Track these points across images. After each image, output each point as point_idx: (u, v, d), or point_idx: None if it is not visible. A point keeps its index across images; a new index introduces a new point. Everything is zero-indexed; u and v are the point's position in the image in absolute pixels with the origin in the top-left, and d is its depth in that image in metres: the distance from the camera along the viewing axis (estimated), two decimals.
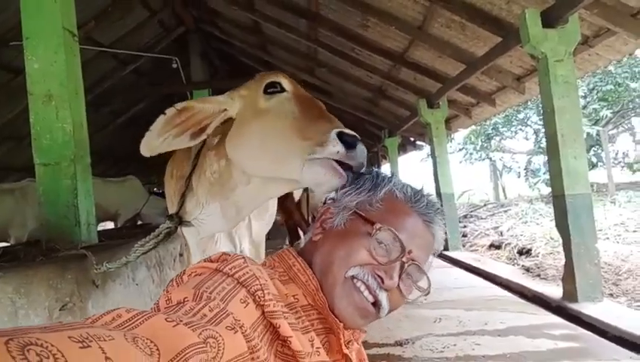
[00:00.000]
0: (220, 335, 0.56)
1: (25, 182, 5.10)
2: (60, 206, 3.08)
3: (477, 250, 7.55)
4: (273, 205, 1.99)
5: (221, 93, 1.36)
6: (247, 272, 0.69)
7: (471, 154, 15.86)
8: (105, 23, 7.57)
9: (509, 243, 6.91)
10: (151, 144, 1.24)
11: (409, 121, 9.33)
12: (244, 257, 0.73)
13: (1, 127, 8.45)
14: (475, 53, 5.75)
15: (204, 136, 1.31)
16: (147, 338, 0.49)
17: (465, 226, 9.58)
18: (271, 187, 1.29)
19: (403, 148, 13.34)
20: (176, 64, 8.51)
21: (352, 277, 0.79)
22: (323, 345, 0.77)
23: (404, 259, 0.80)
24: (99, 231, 4.40)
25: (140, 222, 6.99)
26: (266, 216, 1.93)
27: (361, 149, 1.00)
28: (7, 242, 4.89)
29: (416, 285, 0.84)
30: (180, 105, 1.24)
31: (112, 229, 5.45)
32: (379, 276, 0.78)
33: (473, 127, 12.18)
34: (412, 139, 12.51)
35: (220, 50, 11.08)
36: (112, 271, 2.08)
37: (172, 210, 1.64)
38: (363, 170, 1.00)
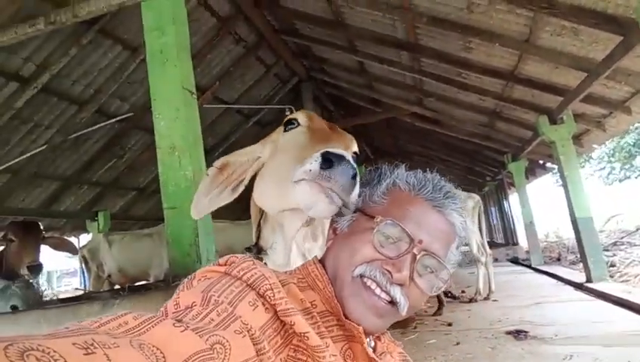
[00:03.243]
0: (227, 341, 0.56)
1: (161, 227, 5.81)
2: (183, 245, 3.37)
3: (629, 280, 6.50)
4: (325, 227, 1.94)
5: None
6: (255, 273, 0.68)
7: (610, 173, 13.94)
8: (228, 82, 8.49)
9: None
10: (199, 205, 1.27)
11: (532, 142, 8.62)
12: (252, 259, 0.72)
13: (148, 183, 9.82)
14: (594, 58, 5.20)
15: (242, 187, 1.31)
16: (153, 346, 0.49)
17: (614, 255, 8.35)
18: (294, 219, 1.23)
19: (532, 172, 12.31)
20: (290, 113, 9.07)
21: (360, 276, 0.76)
22: (344, 353, 0.75)
23: (414, 251, 0.75)
24: None
25: None
26: (320, 238, 1.91)
27: (341, 169, 0.86)
28: (148, 281, 5.59)
29: (438, 277, 0.78)
30: (218, 163, 1.28)
31: None
32: (387, 271, 0.75)
33: (614, 142, 10.79)
34: (541, 161, 11.50)
35: (331, 94, 11.61)
36: None
37: (253, 235, 1.72)
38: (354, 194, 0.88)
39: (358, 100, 11.43)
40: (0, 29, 3.90)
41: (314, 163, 0.90)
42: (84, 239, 11.20)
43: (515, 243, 14.00)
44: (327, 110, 11.77)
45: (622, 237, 10.03)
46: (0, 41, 3.89)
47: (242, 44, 8.05)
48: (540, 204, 13.37)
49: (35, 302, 2.58)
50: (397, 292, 0.75)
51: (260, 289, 0.66)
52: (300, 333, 0.66)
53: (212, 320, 0.58)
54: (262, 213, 1.62)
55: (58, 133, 6.78)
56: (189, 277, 0.72)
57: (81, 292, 4.14)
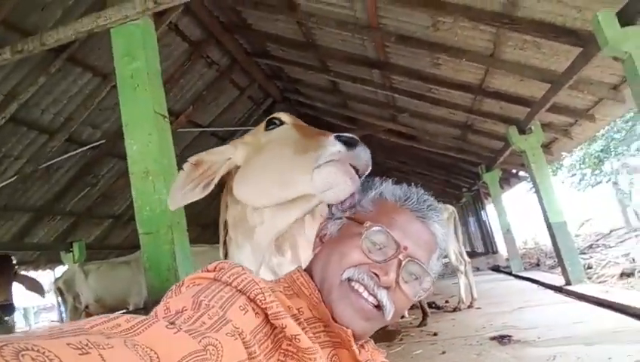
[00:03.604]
0: (220, 343, 0.56)
1: (138, 253, 5.70)
2: (161, 270, 3.30)
3: (605, 281, 6.65)
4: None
5: None
6: (245, 278, 0.69)
7: (581, 180, 14.36)
8: (202, 105, 8.49)
9: None
10: (174, 198, 1.32)
11: (504, 152, 8.83)
12: (241, 266, 0.73)
13: (124, 211, 9.64)
14: (556, 70, 5.40)
15: (211, 186, 1.35)
16: (147, 346, 0.49)
17: (590, 257, 8.55)
18: (283, 215, 1.28)
19: (507, 181, 12.58)
20: None
21: (348, 279, 0.78)
22: (331, 359, 0.76)
23: (400, 257, 0.78)
24: None
25: None
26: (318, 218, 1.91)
27: (362, 148, 1.00)
28: (127, 309, 5.45)
29: (421, 284, 0.82)
30: (193, 159, 1.31)
31: None
32: (375, 274, 0.77)
33: (583, 150, 11.13)
34: (514, 171, 11.77)
35: (306, 114, 11.69)
36: None
37: (220, 253, 1.71)
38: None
39: (333, 119, 11.55)
40: None
41: (337, 145, 1.01)
42: (60, 271, 10.91)
43: (495, 252, 14.20)
44: None
45: (597, 240, 10.30)
46: None
47: (215, 68, 8.08)
48: (516, 212, 13.62)
49: None
50: (384, 296, 0.77)
51: (250, 293, 0.67)
52: (292, 336, 0.67)
53: (204, 323, 0.58)
54: (225, 231, 1.63)
55: (28, 163, 6.61)
56: (177, 283, 0.72)
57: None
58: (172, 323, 0.56)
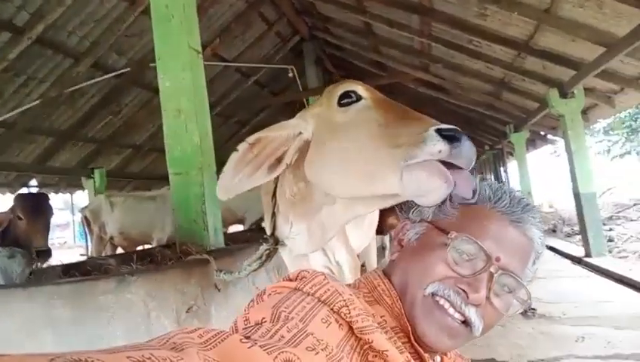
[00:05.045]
0: (298, 358, 0.53)
1: (165, 190, 5.68)
2: (190, 211, 3.29)
3: (627, 256, 6.56)
4: (374, 212, 1.84)
5: None
6: (329, 289, 0.65)
7: (611, 147, 13.86)
8: (228, 38, 8.17)
9: None
10: (227, 186, 1.17)
11: (538, 114, 8.51)
12: (324, 274, 0.69)
13: (145, 141, 9.63)
14: (615, 33, 5.01)
15: (283, 167, 1.20)
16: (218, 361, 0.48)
17: (611, 229, 8.42)
18: (360, 205, 1.15)
19: (532, 143, 12.25)
20: (292, 73, 8.84)
21: (432, 294, 0.71)
22: None
23: (491, 269, 0.70)
24: (227, 234, 4.72)
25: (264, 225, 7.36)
26: (365, 224, 1.81)
27: (467, 143, 0.83)
28: (150, 244, 5.52)
29: (515, 297, 0.73)
30: (252, 139, 1.15)
31: (239, 232, 5.83)
32: (462, 290, 0.70)
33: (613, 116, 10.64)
34: (543, 133, 11.42)
35: (333, 55, 11.29)
36: None
37: (267, 226, 1.62)
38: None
39: (362, 63, 11.14)
40: None
41: (438, 143, 0.83)
42: (79, 196, 11.10)
43: None
44: (328, 72, 11.49)
45: (618, 212, 10.12)
46: None
47: None
48: (535, 175, 13.38)
49: (20, 277, 2.42)
50: (472, 313, 0.70)
51: (334, 305, 0.64)
52: (380, 351, 0.63)
53: (282, 337, 0.56)
54: (274, 203, 1.50)
55: (53, 86, 6.49)
56: (260, 292, 0.70)
57: (86, 258, 4.08)
58: (247, 338, 0.54)
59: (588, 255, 6.54)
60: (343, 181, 1.08)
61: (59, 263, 2.90)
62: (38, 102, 6.25)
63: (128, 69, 7.05)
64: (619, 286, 4.86)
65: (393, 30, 7.65)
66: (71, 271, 2.60)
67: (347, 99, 1.09)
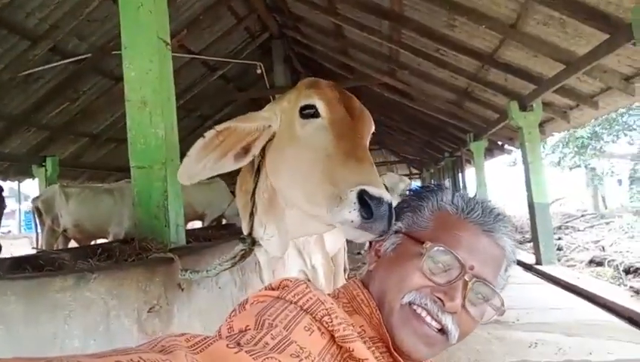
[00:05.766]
0: None
1: (123, 183, 5.49)
2: (151, 207, 3.20)
3: (574, 265, 6.89)
4: None
5: None
6: (311, 298, 0.66)
7: (562, 159, 14.58)
8: (196, 30, 7.98)
9: (613, 260, 6.21)
10: (190, 171, 1.18)
11: (497, 125, 8.79)
12: (306, 283, 0.70)
13: (102, 130, 9.27)
14: (575, 52, 5.25)
15: (250, 157, 1.23)
16: None
17: (560, 238, 8.83)
18: (310, 223, 1.18)
19: (490, 152, 12.65)
20: (261, 70, 8.75)
21: (409, 303, 0.72)
22: None
23: (466, 278, 0.72)
24: (187, 230, 4.60)
25: (224, 222, 7.26)
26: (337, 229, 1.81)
27: (380, 216, 0.87)
28: (106, 238, 5.31)
29: (490, 304, 0.75)
30: (220, 127, 1.18)
31: (199, 228, 5.71)
32: (439, 298, 0.71)
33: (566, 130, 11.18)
34: (500, 143, 11.82)
35: (302, 55, 11.25)
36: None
37: (244, 226, 1.59)
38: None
39: (330, 64, 11.17)
40: None
41: (353, 212, 0.90)
42: (28, 184, 10.53)
43: None
44: (296, 71, 11.45)
45: (566, 222, 10.62)
46: None
47: None
48: (492, 183, 13.86)
49: None
50: (449, 321, 0.71)
51: (316, 314, 0.65)
52: (360, 360, 0.64)
53: (267, 343, 0.57)
54: (252, 203, 1.49)
55: (7, 69, 6.12)
56: (242, 301, 0.71)
57: (36, 251, 3.85)
58: (235, 343, 0.55)
59: (539, 262, 6.82)
60: (291, 191, 1.15)
61: (9, 255, 2.73)
62: None
63: (89, 54, 6.76)
64: (568, 294, 5.09)
65: (363, 34, 7.72)
66: (22, 265, 2.46)
67: (309, 110, 1.14)
